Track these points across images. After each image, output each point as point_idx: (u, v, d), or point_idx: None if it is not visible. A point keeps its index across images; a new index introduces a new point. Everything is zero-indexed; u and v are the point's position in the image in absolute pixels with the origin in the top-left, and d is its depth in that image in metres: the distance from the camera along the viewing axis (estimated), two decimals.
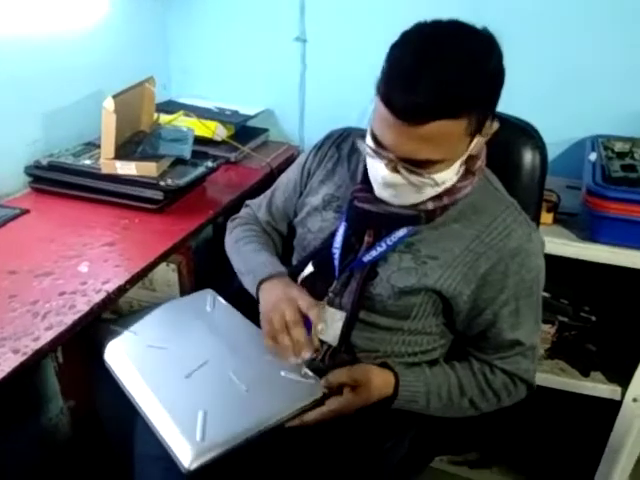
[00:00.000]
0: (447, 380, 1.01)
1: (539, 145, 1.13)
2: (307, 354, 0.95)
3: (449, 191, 0.94)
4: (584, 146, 1.50)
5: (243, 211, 1.29)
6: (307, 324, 0.96)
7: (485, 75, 0.82)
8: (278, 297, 0.98)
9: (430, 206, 0.95)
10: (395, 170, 0.87)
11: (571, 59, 1.51)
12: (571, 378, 1.46)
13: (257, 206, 1.26)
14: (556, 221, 1.38)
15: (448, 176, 0.90)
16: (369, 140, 0.90)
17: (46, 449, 1.38)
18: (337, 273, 1.02)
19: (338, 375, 0.96)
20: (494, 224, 0.96)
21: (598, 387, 1.44)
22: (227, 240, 1.22)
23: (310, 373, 0.97)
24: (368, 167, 0.95)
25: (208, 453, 0.82)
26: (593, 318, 1.51)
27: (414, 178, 0.87)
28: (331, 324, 1.02)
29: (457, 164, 0.89)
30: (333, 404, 0.94)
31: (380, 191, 0.94)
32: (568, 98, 1.55)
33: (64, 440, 1.35)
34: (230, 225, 1.25)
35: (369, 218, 0.99)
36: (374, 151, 0.89)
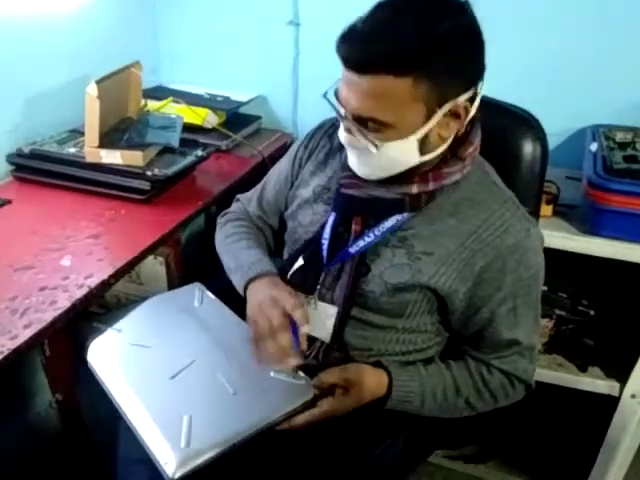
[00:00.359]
0: (442, 380, 0.98)
1: (540, 136, 1.09)
2: (292, 362, 0.92)
3: (435, 175, 0.92)
4: (584, 136, 1.47)
5: (234, 206, 1.26)
6: (295, 326, 0.93)
7: (439, 38, 0.79)
8: (264, 298, 0.96)
9: (415, 190, 0.92)
10: (348, 130, 0.88)
11: (572, 48, 1.46)
12: (569, 373, 1.44)
13: (248, 200, 1.23)
14: (556, 213, 1.35)
15: (399, 148, 0.86)
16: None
17: (36, 443, 1.36)
18: (325, 264, 0.99)
19: (330, 375, 0.93)
20: (491, 219, 0.93)
21: (596, 383, 1.42)
22: (217, 236, 1.19)
23: (301, 373, 0.94)
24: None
25: (193, 461, 0.79)
26: (592, 312, 1.48)
27: (361, 138, 0.87)
28: (324, 319, 1.00)
29: (412, 139, 0.86)
30: (324, 405, 0.91)
31: (348, 157, 0.96)
32: (568, 87, 1.51)
33: (54, 434, 1.32)
34: (220, 221, 1.22)
35: (354, 204, 0.98)
36: (335, 109, 0.88)
